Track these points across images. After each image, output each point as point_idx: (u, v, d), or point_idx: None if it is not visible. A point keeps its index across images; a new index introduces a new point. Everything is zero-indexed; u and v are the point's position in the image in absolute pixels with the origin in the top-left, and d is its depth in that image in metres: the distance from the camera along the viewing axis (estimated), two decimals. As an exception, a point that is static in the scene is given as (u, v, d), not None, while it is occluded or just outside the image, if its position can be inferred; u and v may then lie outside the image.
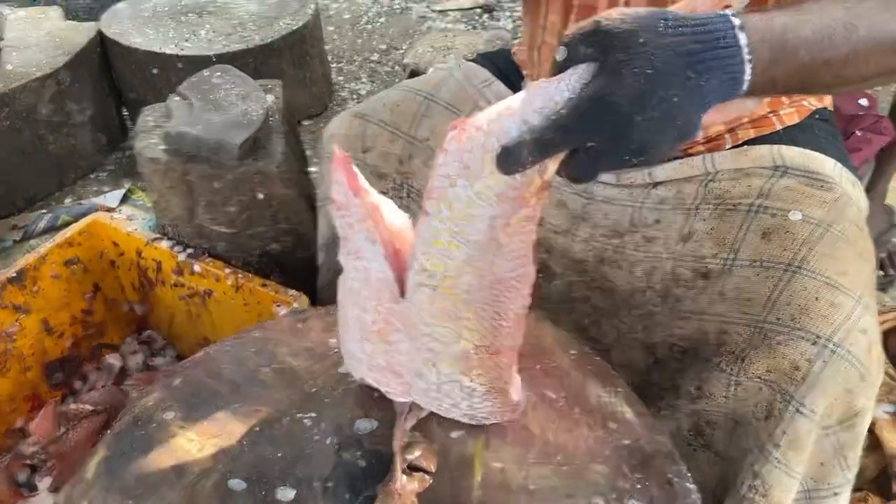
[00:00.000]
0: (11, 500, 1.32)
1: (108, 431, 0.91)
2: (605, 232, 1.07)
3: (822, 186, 0.96)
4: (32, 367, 1.45)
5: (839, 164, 1.00)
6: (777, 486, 0.91)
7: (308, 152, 1.73)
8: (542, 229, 1.13)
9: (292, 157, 1.41)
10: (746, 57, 0.63)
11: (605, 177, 1.08)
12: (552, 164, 0.66)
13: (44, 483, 1.36)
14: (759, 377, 0.93)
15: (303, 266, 1.47)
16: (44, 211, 2.35)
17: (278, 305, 1.29)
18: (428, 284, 0.76)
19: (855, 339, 0.86)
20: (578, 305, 1.13)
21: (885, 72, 0.73)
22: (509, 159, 0.62)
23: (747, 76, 0.63)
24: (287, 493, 0.82)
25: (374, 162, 1.21)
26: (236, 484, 0.83)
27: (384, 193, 1.22)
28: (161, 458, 0.86)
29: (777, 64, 0.66)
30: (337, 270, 1.39)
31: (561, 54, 0.64)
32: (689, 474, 0.83)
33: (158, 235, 1.45)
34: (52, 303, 1.45)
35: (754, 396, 0.94)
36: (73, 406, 1.50)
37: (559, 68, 0.64)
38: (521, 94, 0.66)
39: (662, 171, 1.03)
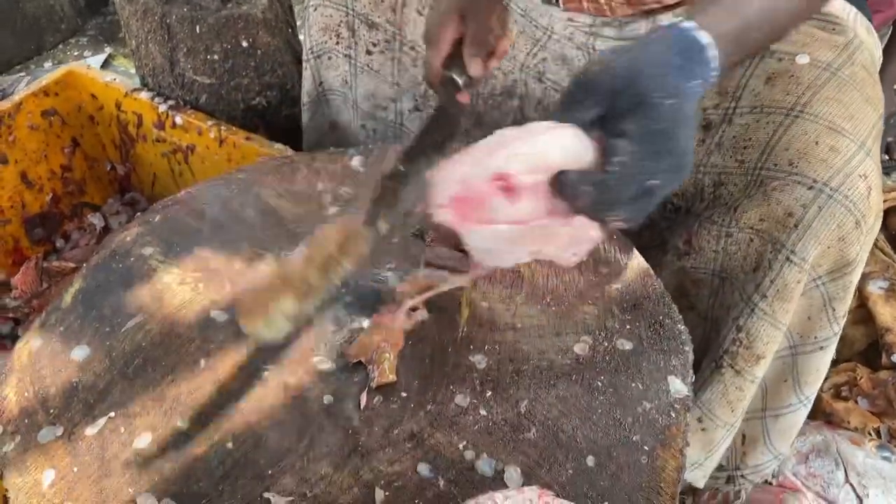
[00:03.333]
0: (-5, 351, 1.32)
1: (85, 265, 0.88)
2: None
3: (833, 29, 0.90)
4: (12, 221, 1.41)
5: (854, 8, 0.94)
6: (761, 338, 0.90)
7: (297, 7, 1.64)
8: (542, 86, 1.07)
9: (278, 4, 1.33)
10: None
11: (608, 30, 1.02)
12: None
13: (27, 335, 1.36)
14: (751, 227, 0.90)
15: (287, 124, 1.42)
16: (23, 74, 2.26)
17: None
18: None
19: (853, 184, 0.83)
20: None
21: None
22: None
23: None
24: (270, 326, 0.80)
25: (364, 10, 1.13)
26: (218, 315, 0.81)
27: (374, 45, 1.16)
28: (140, 290, 0.84)
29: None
30: (323, 131, 1.34)
31: None
32: (680, 316, 0.81)
33: (138, 87, 1.38)
34: (29, 155, 1.40)
35: (744, 249, 0.91)
36: (55, 262, 1.48)
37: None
38: None
39: (670, 20, 0.97)
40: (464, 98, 0.81)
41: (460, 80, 0.79)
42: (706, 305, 1.00)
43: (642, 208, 0.59)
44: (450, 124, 0.81)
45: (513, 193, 0.59)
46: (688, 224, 0.99)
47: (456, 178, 0.60)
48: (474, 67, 0.81)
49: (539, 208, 0.60)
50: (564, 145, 0.59)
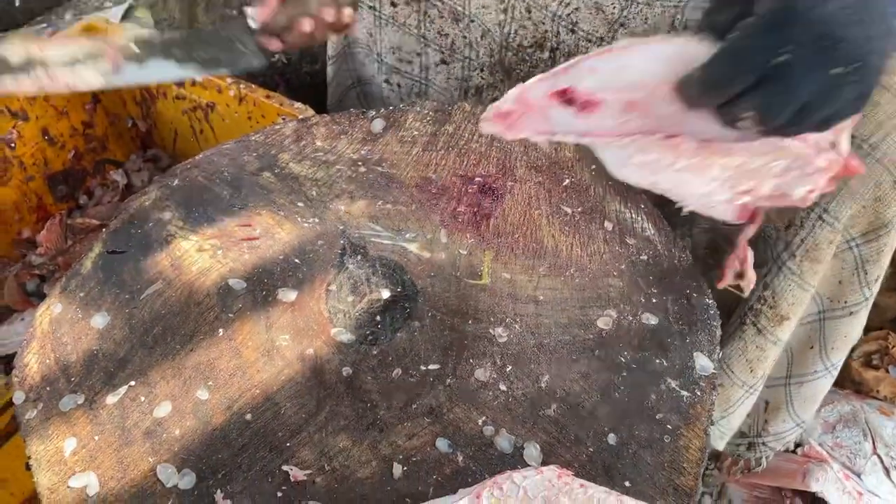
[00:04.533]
0: (21, 308, 1.33)
1: (104, 229, 0.87)
2: None
3: None
4: (35, 178, 1.41)
5: None
6: (786, 298, 0.88)
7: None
8: (574, 37, 1.03)
9: (298, -42, 1.29)
10: None
11: None
12: None
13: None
14: None
15: (309, 82, 1.39)
16: (44, 25, 2.25)
17: (283, 119, 1.22)
18: None
19: (894, 142, 0.79)
20: None
21: None
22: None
23: None
24: (289, 295, 0.79)
25: None
26: (236, 283, 0.80)
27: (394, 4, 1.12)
28: (159, 256, 0.83)
29: None
30: (347, 86, 1.31)
31: None
32: (708, 290, 0.79)
33: (157, 42, 1.36)
34: (50, 111, 1.39)
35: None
36: (79, 219, 1.48)
37: None
38: None
39: None
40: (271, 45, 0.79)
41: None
42: None
43: (780, 93, 0.49)
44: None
45: (585, 107, 0.60)
46: None
47: (513, 96, 0.63)
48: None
49: (622, 122, 0.59)
50: (652, 58, 0.57)
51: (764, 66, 0.48)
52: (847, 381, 1.21)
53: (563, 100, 0.61)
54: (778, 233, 0.88)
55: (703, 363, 0.73)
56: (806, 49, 0.48)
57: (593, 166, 0.92)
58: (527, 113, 0.63)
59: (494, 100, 1.16)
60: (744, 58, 0.48)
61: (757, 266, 0.93)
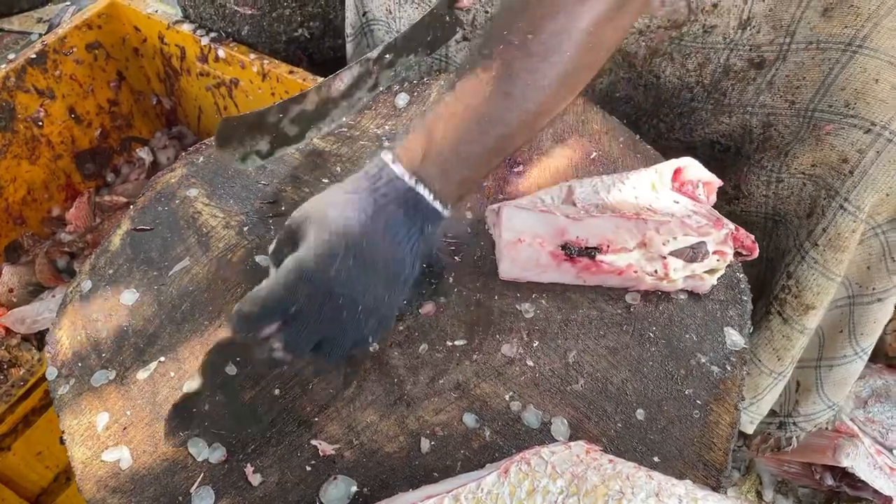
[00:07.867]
0: (52, 284, 1.35)
1: (132, 206, 0.88)
2: (662, 23, 0.95)
3: None
4: (63, 156, 1.42)
5: None
6: (811, 288, 0.86)
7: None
8: None
9: (320, -69, 1.27)
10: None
11: None
12: None
13: (83, 269, 1.38)
14: (803, 172, 0.85)
15: (332, 57, 1.38)
16: (67, 3, 2.25)
17: (307, 94, 1.21)
18: None
19: None
20: (619, 106, 1.03)
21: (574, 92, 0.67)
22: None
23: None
24: (314, 271, 0.79)
25: None
26: (263, 260, 0.80)
27: None
28: (185, 233, 0.83)
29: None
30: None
31: None
32: (739, 265, 0.78)
33: (180, 18, 1.36)
34: (76, 89, 1.40)
35: (797, 194, 0.86)
36: (107, 197, 1.50)
37: None
38: None
39: None
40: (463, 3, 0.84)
41: None
42: (760, 247, 0.96)
43: (296, 331, 0.61)
44: (442, 27, 0.83)
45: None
46: (736, 167, 0.94)
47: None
48: None
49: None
50: None
51: (284, 314, 0.61)
52: (880, 356, 1.19)
53: None
54: (800, 220, 0.86)
55: (733, 338, 0.71)
56: (314, 301, 0.60)
57: (621, 139, 0.90)
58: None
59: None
60: (268, 310, 0.61)
61: (781, 253, 0.92)
